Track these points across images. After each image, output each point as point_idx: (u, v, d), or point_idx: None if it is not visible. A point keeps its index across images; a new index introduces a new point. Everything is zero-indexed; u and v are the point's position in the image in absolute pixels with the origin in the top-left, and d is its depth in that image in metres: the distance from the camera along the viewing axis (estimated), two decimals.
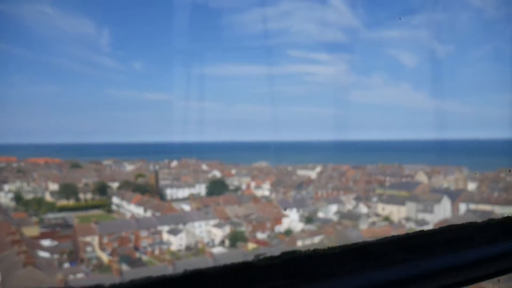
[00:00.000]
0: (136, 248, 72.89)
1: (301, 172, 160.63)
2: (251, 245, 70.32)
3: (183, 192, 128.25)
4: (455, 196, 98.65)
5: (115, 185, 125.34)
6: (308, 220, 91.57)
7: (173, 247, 73.64)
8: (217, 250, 65.88)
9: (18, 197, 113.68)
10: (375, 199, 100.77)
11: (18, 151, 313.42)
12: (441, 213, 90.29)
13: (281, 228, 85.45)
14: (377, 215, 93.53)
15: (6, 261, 51.32)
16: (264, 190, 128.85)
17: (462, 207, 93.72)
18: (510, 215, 1.13)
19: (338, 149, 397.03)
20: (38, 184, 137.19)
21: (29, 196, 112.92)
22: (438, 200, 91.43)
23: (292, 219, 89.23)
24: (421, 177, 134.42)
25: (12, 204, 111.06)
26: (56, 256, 63.77)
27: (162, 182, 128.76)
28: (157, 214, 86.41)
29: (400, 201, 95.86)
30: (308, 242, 70.97)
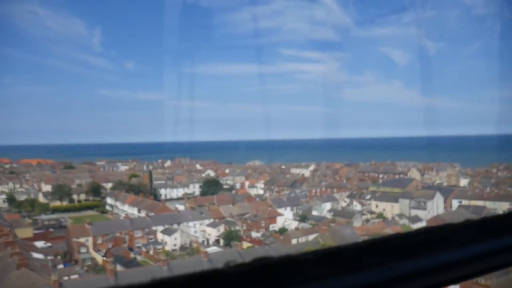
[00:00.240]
0: (131, 249, 72.81)
1: (295, 171, 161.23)
2: (246, 244, 70.48)
3: (177, 192, 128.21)
4: (447, 192, 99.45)
5: (108, 185, 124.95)
6: (303, 218, 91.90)
7: (168, 247, 73.63)
8: (212, 249, 65.91)
9: (10, 199, 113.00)
10: (368, 196, 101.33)
11: (10, 152, 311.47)
12: (434, 210, 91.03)
13: (275, 226, 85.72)
14: (371, 212, 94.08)
15: (0, 263, 51.09)
16: (258, 189, 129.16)
17: (455, 203, 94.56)
18: (486, 217, 1.14)
19: (331, 147, 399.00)
20: (31, 185, 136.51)
21: (22, 198, 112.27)
22: (431, 197, 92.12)
23: (286, 218, 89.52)
24: (414, 174, 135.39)
25: (5, 205, 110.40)
26: (50, 258, 63.48)
27: (156, 182, 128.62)
28: (151, 214, 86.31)
29: (393, 198, 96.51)
30: (302, 240, 71.29)
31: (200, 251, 62.26)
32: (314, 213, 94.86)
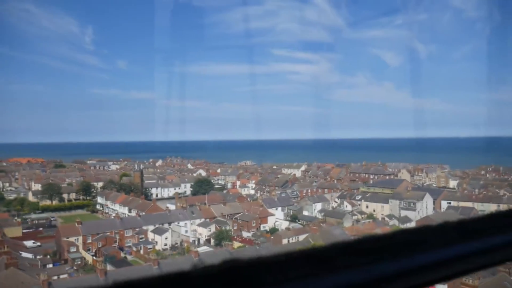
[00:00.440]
0: (121, 248, 72.59)
1: (286, 171, 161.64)
2: (236, 244, 70.62)
3: (169, 191, 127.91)
4: (437, 193, 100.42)
5: (99, 184, 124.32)
6: (293, 218, 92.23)
7: (158, 247, 73.51)
8: (203, 249, 65.94)
9: (0, 197, 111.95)
10: (359, 197, 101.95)
11: (0, 151, 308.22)
12: (423, 211, 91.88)
13: (266, 226, 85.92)
14: (361, 212, 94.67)
15: None
16: (250, 189, 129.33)
17: (444, 204, 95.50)
18: (465, 218, 1.15)
19: (322, 148, 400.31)
20: (20, 184, 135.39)
21: (11, 196, 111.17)
22: (421, 198, 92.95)
23: (277, 218, 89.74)
24: (404, 175, 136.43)
25: None
26: (39, 257, 63.09)
27: (147, 182, 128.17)
28: (142, 213, 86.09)
29: (383, 199, 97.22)
30: (293, 240, 71.59)
31: (191, 250, 62.31)
32: (305, 213, 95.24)
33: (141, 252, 70.50)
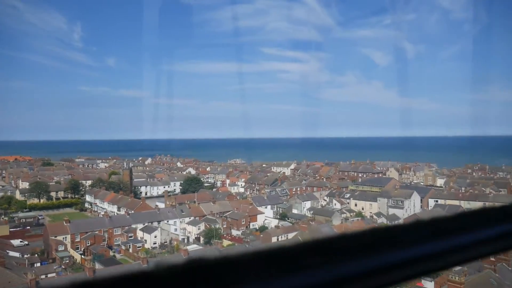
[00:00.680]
0: (110, 247, 72.29)
1: (276, 169, 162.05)
2: (226, 242, 70.76)
3: (158, 190, 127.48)
4: (424, 191, 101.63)
5: (88, 183, 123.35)
6: (283, 216, 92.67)
7: (148, 245, 73.33)
8: (192, 247, 65.90)
9: None
10: (348, 195, 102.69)
11: None
12: (411, 209, 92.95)
13: (256, 225, 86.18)
14: (350, 211, 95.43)
15: None
16: (239, 187, 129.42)
17: (431, 202, 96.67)
18: (435, 217, 1.14)
19: (311, 146, 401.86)
20: (7, 182, 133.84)
21: None
22: (408, 196, 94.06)
23: (267, 216, 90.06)
24: (392, 173, 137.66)
25: None
26: (26, 256, 62.61)
27: (136, 180, 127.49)
28: (131, 212, 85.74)
29: (372, 197, 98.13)
30: (282, 238, 71.96)
31: (180, 249, 62.37)
32: (294, 211, 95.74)
33: (130, 250, 70.30)
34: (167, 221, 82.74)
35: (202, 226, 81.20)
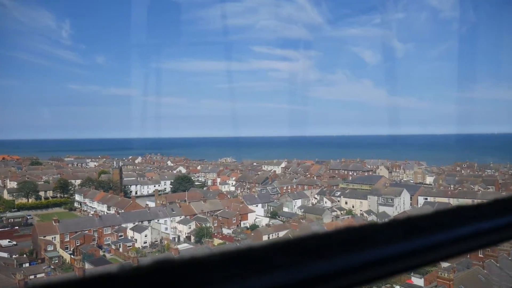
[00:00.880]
0: (100, 246, 71.78)
1: (266, 167, 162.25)
2: (217, 241, 70.66)
3: (148, 189, 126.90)
4: (414, 189, 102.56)
5: (77, 182, 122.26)
6: (274, 215, 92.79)
7: (138, 244, 72.94)
8: (183, 246, 65.71)
9: None
10: (338, 193, 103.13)
11: None
12: (401, 206, 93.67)
13: (247, 223, 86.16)
14: (340, 209, 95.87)
15: None
16: (230, 186, 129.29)
17: (421, 200, 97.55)
18: (410, 216, 1.14)
19: (302, 144, 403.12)
20: None
21: None
22: (398, 194, 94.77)
23: (257, 214, 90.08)
24: (382, 171, 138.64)
25: None
26: (15, 256, 61.94)
27: (126, 179, 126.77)
28: (121, 211, 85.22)
29: (362, 195, 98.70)
30: (273, 236, 72.02)
31: (171, 248, 62.15)
32: (285, 209, 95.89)
33: (120, 250, 69.86)
34: (158, 220, 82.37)
35: (193, 225, 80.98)
